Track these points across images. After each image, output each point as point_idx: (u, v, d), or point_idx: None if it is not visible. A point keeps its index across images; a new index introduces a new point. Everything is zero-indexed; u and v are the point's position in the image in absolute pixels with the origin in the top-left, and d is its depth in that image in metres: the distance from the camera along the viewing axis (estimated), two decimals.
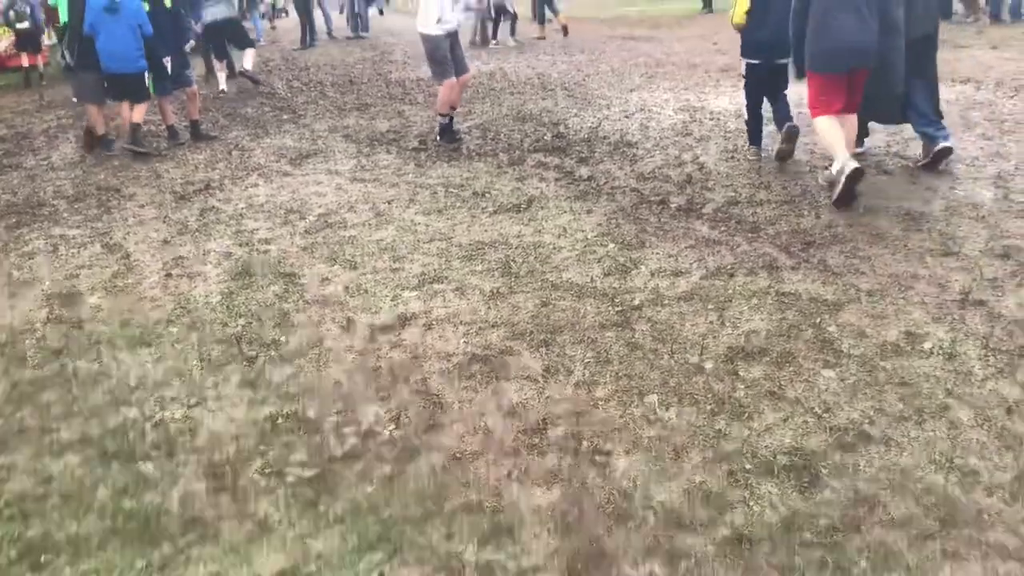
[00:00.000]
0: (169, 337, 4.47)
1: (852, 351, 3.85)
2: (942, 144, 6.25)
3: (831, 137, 5.75)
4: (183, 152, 8.54)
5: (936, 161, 6.32)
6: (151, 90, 8.67)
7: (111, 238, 6.11)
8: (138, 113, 8.45)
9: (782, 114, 6.96)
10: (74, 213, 6.77)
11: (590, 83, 11.03)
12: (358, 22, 17.88)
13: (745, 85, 7.25)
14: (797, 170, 6.61)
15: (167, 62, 8.68)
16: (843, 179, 5.56)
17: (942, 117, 6.40)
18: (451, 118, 8.29)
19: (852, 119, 5.98)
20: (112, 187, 7.43)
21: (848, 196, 5.62)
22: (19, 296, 5.20)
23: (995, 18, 13.34)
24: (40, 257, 5.85)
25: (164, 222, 6.38)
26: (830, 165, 5.88)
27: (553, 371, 3.85)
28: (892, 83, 5.94)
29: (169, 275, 5.33)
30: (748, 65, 7.07)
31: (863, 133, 6.75)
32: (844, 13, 5.61)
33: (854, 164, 5.58)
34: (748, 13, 6.78)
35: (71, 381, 4.09)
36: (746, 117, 7.34)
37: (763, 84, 7.01)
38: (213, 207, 6.66)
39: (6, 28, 13.73)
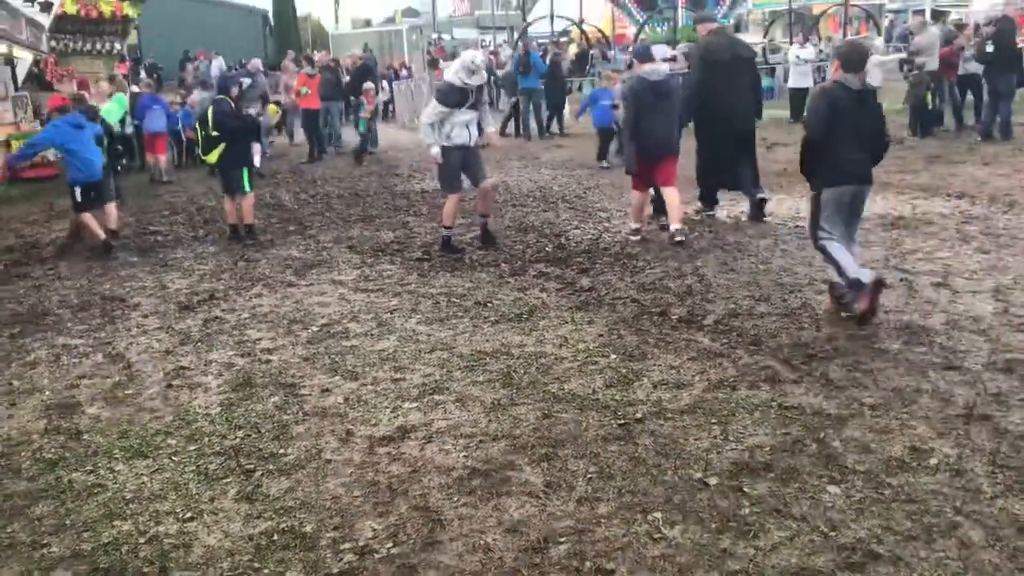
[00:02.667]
0: (167, 449, 4.42)
1: (857, 467, 3.80)
2: (759, 196, 8.96)
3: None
4: (190, 262, 8.63)
5: (758, 208, 8.95)
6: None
7: (113, 348, 6.12)
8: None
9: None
10: (78, 323, 6.80)
11: (590, 196, 11.22)
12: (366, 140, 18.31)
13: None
14: (796, 283, 6.66)
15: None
16: None
17: (758, 183, 9.11)
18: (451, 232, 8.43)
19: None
20: (117, 297, 7.49)
21: None
22: (18, 406, 5.18)
23: (986, 135, 13.67)
24: (42, 367, 5.84)
25: (167, 332, 6.40)
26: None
27: (555, 486, 3.80)
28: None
29: (170, 386, 5.31)
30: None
31: (713, 200, 9.43)
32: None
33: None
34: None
35: (66, 493, 4.03)
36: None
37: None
38: (217, 317, 6.69)
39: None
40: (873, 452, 3.93)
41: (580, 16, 27.07)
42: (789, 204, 9.83)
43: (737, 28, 37.48)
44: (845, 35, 25.93)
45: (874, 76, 13.96)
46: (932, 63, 14.65)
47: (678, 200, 8.29)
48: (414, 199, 11.70)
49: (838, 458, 3.88)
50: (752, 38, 33.43)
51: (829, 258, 5.83)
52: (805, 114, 7.41)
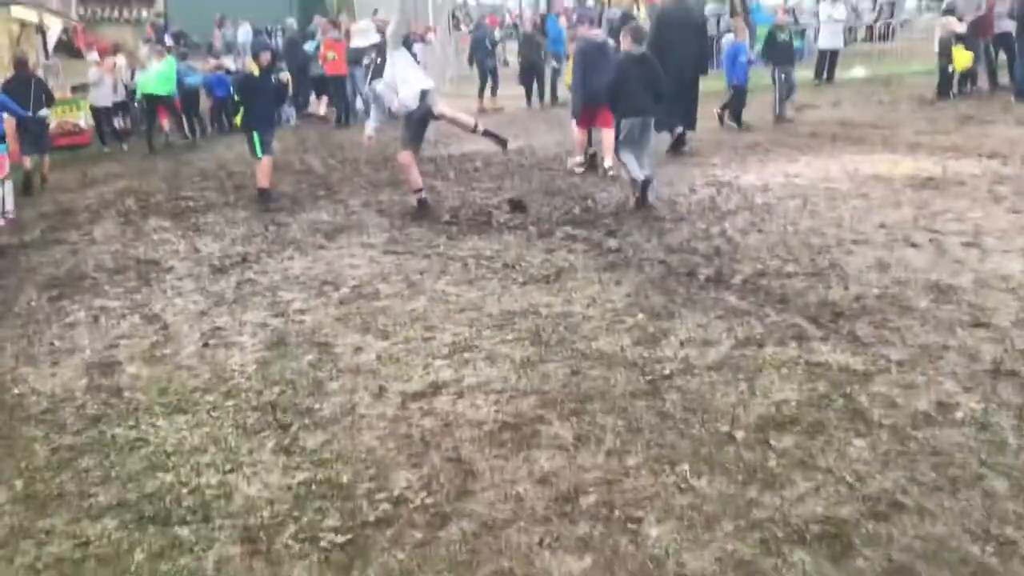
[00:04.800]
0: (206, 405, 4.55)
1: (883, 421, 3.84)
2: (679, 130, 10.94)
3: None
4: (221, 227, 8.75)
5: (679, 140, 11.03)
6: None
7: (150, 309, 6.25)
8: None
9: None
10: (114, 285, 6.94)
11: None
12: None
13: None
14: (824, 244, 6.65)
15: None
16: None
17: (689, 120, 11.03)
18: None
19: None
20: (151, 260, 7.63)
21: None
22: (60, 365, 5.33)
23: (1020, 95, 13.45)
24: (81, 328, 5.99)
25: (201, 294, 6.53)
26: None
27: (584, 440, 3.88)
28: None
29: (206, 345, 5.44)
30: None
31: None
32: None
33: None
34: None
35: (109, 447, 4.17)
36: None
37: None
38: (250, 279, 6.81)
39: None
40: (899, 407, 3.97)
41: None
42: (818, 165, 9.78)
43: None
44: None
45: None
46: (959, 25, 14.36)
47: (611, 140, 9.30)
48: (441, 164, 11.73)
49: (864, 413, 3.92)
50: None
51: (624, 164, 8.41)
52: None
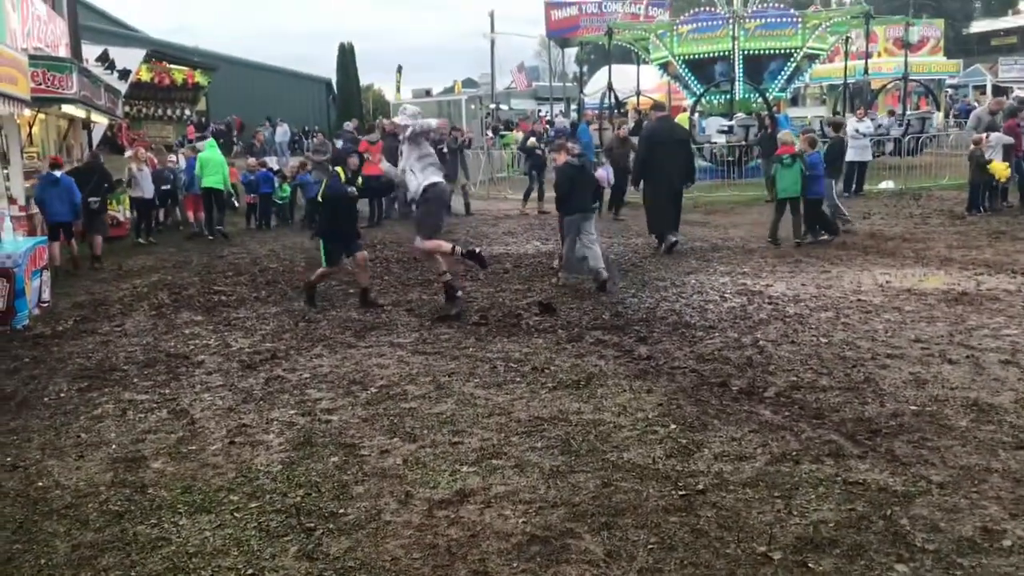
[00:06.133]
0: (229, 505, 4.48)
1: (927, 546, 3.71)
2: (673, 239, 12.15)
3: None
4: (252, 322, 8.81)
5: (670, 247, 12.08)
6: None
7: (178, 404, 6.24)
8: None
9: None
10: (143, 379, 6.96)
11: (647, 265, 11.25)
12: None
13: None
14: (859, 357, 6.57)
15: None
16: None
17: (676, 228, 12.37)
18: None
19: None
20: (181, 354, 7.66)
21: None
22: (86, 458, 5.29)
23: None
24: (108, 421, 5.98)
25: (230, 390, 6.52)
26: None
27: (615, 556, 3.76)
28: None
29: (232, 442, 5.40)
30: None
31: (661, 238, 12.31)
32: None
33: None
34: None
35: (131, 545, 4.10)
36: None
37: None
38: (278, 376, 6.80)
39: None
40: (943, 531, 3.83)
41: (637, 88, 27.40)
42: (850, 277, 9.75)
43: (794, 101, 37.67)
44: (905, 110, 25.89)
45: (996, 149, 14.71)
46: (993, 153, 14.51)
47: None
48: (470, 264, 11.82)
49: (906, 536, 3.79)
50: (811, 111, 33.46)
51: (568, 246, 9.92)
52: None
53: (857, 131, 18.41)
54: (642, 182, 12.76)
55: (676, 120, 17.63)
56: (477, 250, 9.49)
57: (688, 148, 13.23)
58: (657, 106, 13.89)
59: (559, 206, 10.25)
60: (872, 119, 21.72)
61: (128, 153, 17.45)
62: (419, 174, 9.16)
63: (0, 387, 6.84)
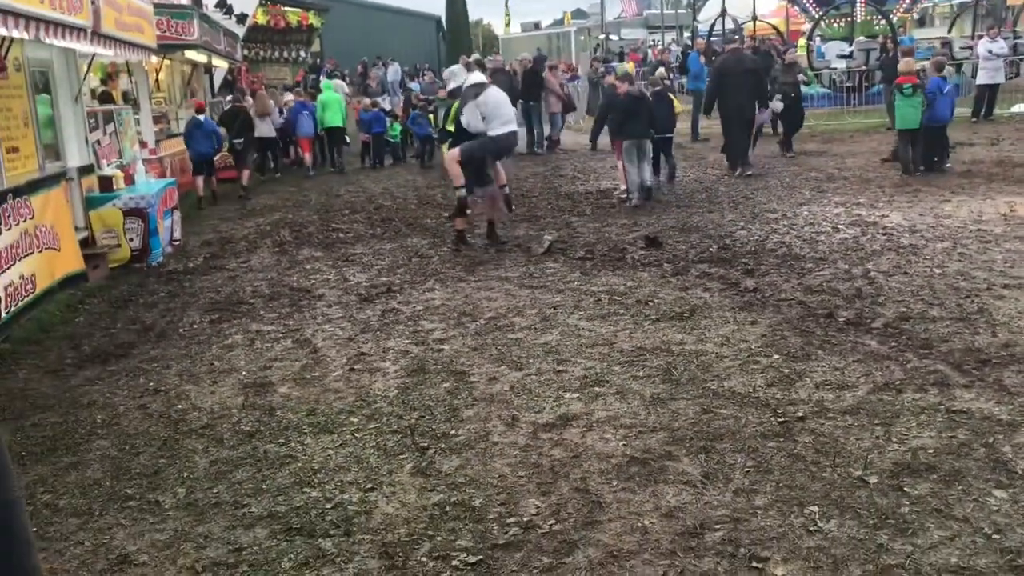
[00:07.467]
0: (350, 426, 4.82)
1: None
2: (743, 170, 12.88)
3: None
4: (368, 258, 9.19)
5: (742, 177, 12.65)
6: None
7: (301, 334, 6.65)
8: None
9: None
10: (269, 311, 7.41)
11: (758, 196, 11.10)
12: (533, 138, 18.62)
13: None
14: (974, 287, 6.42)
15: None
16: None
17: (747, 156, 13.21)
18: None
19: None
20: (303, 288, 8.09)
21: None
22: (219, 384, 5.74)
23: None
24: (238, 350, 6.43)
25: (349, 321, 6.89)
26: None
27: (712, 477, 3.90)
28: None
29: (352, 369, 5.74)
30: None
31: (737, 164, 13.11)
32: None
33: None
34: None
35: (261, 462, 4.48)
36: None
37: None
38: (393, 308, 7.13)
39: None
40: None
41: (753, 13, 26.51)
42: (971, 207, 9.41)
43: (921, 22, 35.65)
44: None
45: None
46: None
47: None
48: (578, 200, 11.92)
49: (1007, 463, 3.79)
50: (937, 32, 31.67)
51: (625, 173, 11.31)
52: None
53: (990, 51, 17.40)
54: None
55: (792, 50, 18.31)
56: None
57: (758, 76, 13.58)
58: (728, 40, 15.22)
59: (614, 134, 11.47)
60: (1006, 38, 20.44)
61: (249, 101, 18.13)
62: (487, 125, 9.04)
63: (140, 319, 7.41)
